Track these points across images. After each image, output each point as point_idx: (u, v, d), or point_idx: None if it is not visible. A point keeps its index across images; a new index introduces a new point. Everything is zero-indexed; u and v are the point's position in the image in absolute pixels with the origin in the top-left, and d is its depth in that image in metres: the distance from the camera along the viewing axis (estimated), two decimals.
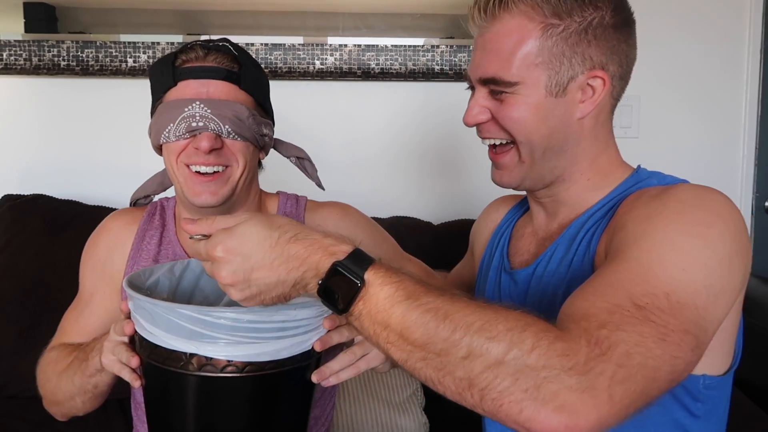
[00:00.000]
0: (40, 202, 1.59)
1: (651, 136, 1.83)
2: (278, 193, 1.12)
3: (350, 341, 0.79)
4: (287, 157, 1.09)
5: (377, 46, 1.70)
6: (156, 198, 1.11)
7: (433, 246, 1.55)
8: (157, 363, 0.70)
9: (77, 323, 1.03)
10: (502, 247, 0.98)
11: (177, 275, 0.85)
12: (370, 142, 1.78)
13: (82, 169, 1.72)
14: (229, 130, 0.92)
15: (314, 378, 0.75)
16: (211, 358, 0.67)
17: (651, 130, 1.83)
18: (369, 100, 1.76)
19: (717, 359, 0.78)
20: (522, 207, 1.03)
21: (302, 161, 1.09)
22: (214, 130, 0.91)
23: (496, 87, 0.81)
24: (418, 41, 1.71)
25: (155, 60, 1.01)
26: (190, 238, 0.70)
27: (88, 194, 1.67)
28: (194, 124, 0.91)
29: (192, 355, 0.67)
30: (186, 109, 0.91)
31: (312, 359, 0.74)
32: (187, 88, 0.93)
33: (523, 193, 0.97)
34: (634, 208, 0.76)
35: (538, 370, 0.55)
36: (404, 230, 1.63)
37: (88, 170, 1.72)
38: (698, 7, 1.80)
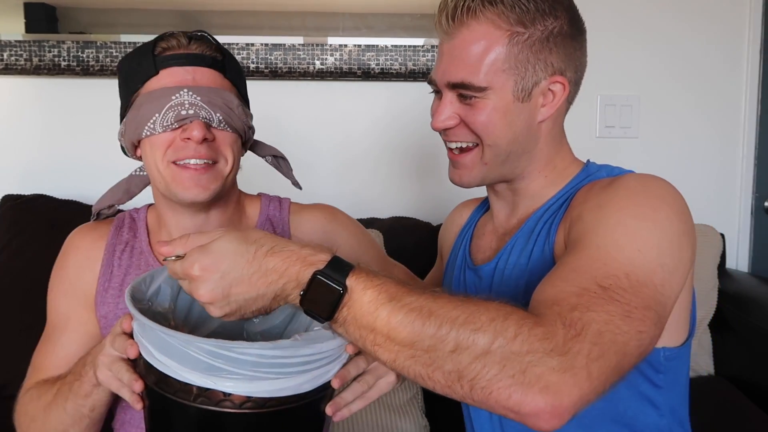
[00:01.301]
0: (40, 202, 1.59)
1: (650, 136, 1.83)
2: (259, 195, 1.07)
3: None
4: (263, 157, 1.03)
5: (377, 46, 1.70)
6: (124, 209, 1.04)
7: (432, 246, 1.54)
8: (167, 393, 0.65)
9: (54, 354, 0.95)
10: (465, 246, 1.02)
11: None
12: (370, 142, 1.78)
13: (82, 169, 1.73)
14: (220, 118, 0.86)
15: (329, 410, 0.72)
16: (230, 394, 0.63)
17: (650, 130, 1.83)
18: (369, 100, 1.76)
19: (674, 332, 0.83)
20: (483, 207, 1.07)
21: (278, 160, 1.03)
22: (205, 118, 0.85)
23: (465, 91, 0.84)
24: (418, 41, 1.71)
25: (125, 54, 0.93)
26: (164, 260, 0.67)
27: (88, 194, 1.67)
28: (183, 113, 0.84)
29: (207, 389, 0.63)
30: (173, 97, 0.84)
31: (329, 390, 0.72)
32: (170, 76, 0.86)
33: (485, 194, 1.01)
34: (588, 199, 0.81)
35: (522, 356, 0.57)
36: (403, 230, 1.63)
37: (88, 170, 1.72)
38: (698, 7, 1.80)
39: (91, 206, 1.59)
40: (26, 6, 1.65)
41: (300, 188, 1.05)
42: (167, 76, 0.87)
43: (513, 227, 0.93)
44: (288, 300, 0.65)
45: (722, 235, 1.72)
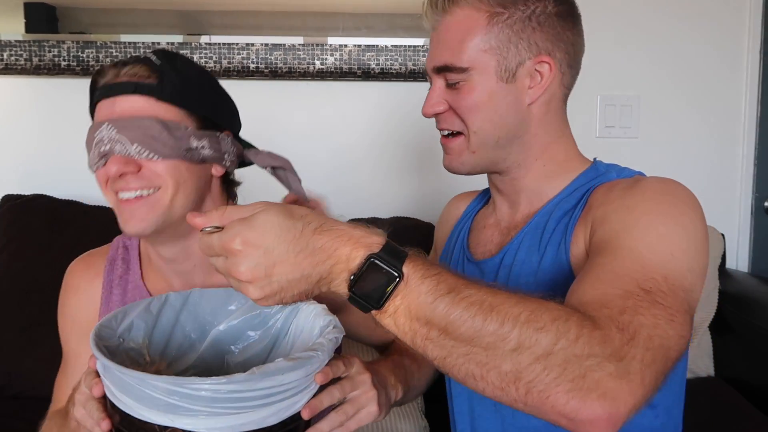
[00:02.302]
0: (40, 202, 1.59)
1: (651, 136, 1.83)
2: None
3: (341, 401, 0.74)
4: (264, 168, 0.97)
5: (377, 46, 1.70)
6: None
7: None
8: None
9: (70, 386, 0.90)
10: (462, 239, 1.01)
11: (154, 313, 0.78)
12: (370, 142, 1.78)
13: (82, 169, 1.70)
14: (139, 149, 0.83)
15: None
16: (190, 431, 0.60)
17: (651, 131, 1.83)
18: (369, 100, 1.76)
19: None
20: (481, 200, 1.06)
21: (279, 171, 0.96)
22: (120, 152, 0.83)
23: (450, 74, 0.86)
24: (418, 41, 1.71)
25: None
26: (201, 231, 0.61)
27: (88, 194, 1.66)
28: (102, 149, 0.84)
29: (166, 427, 0.60)
30: (96, 134, 0.84)
31: (299, 422, 0.68)
32: (100, 110, 0.87)
33: (482, 187, 1.00)
34: (609, 200, 0.80)
35: (583, 359, 0.55)
36: (404, 230, 1.63)
37: (88, 170, 1.72)
38: (698, 7, 1.80)
39: (90, 206, 1.60)
40: (26, 6, 1.65)
41: (306, 199, 0.99)
42: (99, 111, 0.87)
43: (519, 222, 0.92)
44: (332, 285, 0.60)
45: (722, 236, 1.72)
